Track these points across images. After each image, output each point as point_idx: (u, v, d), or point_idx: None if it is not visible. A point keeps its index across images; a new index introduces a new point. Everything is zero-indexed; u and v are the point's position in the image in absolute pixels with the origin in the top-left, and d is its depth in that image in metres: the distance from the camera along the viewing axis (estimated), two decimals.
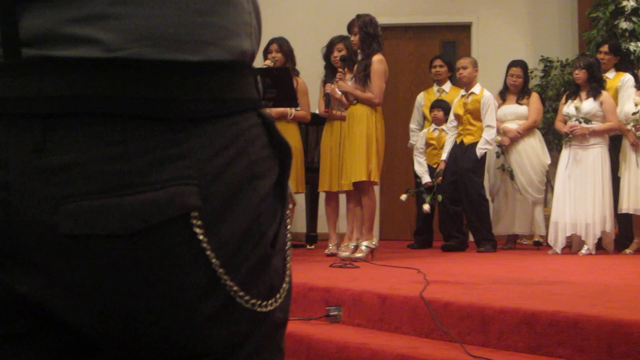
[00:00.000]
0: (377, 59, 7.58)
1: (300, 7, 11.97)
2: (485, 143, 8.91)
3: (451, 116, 9.26)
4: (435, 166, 9.42)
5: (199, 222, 1.03)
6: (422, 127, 9.91)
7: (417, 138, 9.81)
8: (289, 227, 1.23)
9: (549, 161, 9.43)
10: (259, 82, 1.20)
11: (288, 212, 1.22)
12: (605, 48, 9.21)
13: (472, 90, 9.08)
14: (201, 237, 1.04)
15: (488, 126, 8.91)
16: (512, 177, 9.26)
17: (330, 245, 8.46)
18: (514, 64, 9.52)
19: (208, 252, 1.05)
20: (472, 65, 9.15)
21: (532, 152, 9.32)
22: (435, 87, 10.06)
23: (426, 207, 8.86)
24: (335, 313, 4.95)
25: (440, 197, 8.87)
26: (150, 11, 1.01)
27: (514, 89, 9.47)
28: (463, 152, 9.05)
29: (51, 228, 1.00)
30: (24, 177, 1.00)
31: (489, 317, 4.19)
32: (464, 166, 8.98)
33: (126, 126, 1.00)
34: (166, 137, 1.02)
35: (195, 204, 1.03)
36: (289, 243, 1.23)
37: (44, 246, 1.01)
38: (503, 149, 9.28)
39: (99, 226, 0.99)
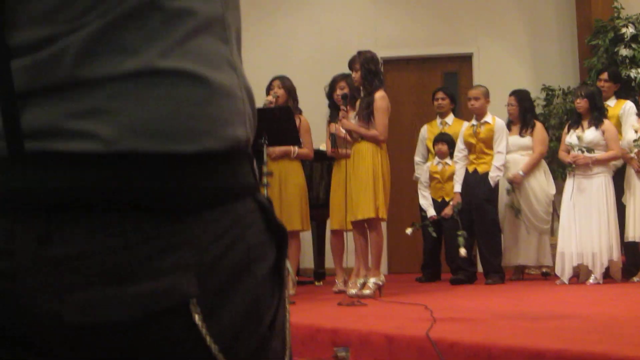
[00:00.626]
0: (380, 96, 7.63)
1: (301, 44, 12.03)
2: (496, 170, 8.96)
3: (460, 145, 9.28)
4: (439, 199, 9.42)
5: (198, 309, 1.05)
6: (426, 160, 9.92)
7: (422, 171, 9.82)
8: (288, 307, 1.24)
9: (554, 191, 9.45)
10: (255, 167, 1.20)
11: (287, 292, 1.24)
12: (604, 76, 9.26)
13: (485, 119, 9.11)
14: (200, 324, 1.05)
15: (498, 152, 8.96)
16: (517, 214, 9.28)
17: (337, 282, 8.47)
18: (510, 93, 9.61)
19: (207, 338, 1.06)
20: (484, 97, 9.19)
21: (536, 185, 9.35)
22: (438, 120, 10.07)
23: (462, 251, 8.69)
24: (343, 354, 4.95)
25: (465, 234, 8.79)
26: (146, 105, 1.03)
27: (512, 118, 9.52)
28: (477, 181, 9.07)
29: (56, 316, 1.02)
30: (30, 267, 1.02)
31: (495, 356, 4.19)
32: (480, 195, 9.00)
33: (126, 217, 1.02)
34: (165, 227, 1.04)
35: (194, 293, 1.04)
36: (287, 323, 1.24)
37: (49, 333, 1.03)
38: (513, 187, 9.30)
39: (102, 315, 1.01)
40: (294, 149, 8.20)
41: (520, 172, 9.28)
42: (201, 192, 1.07)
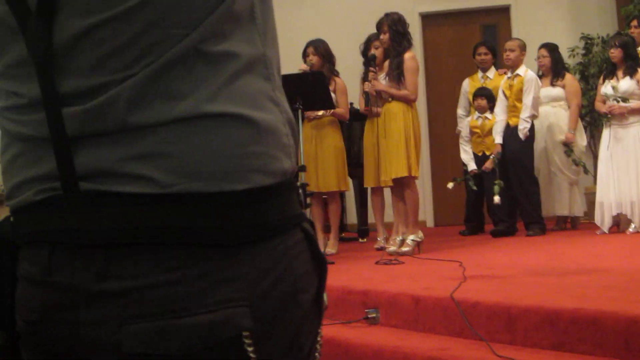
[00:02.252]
0: (409, 56, 7.72)
1: (339, 3, 12.06)
2: (523, 122, 8.98)
3: (501, 96, 9.31)
4: (480, 154, 9.48)
5: (250, 341, 1.10)
6: (468, 113, 9.93)
7: (463, 125, 9.86)
8: (320, 337, 1.28)
9: (584, 142, 9.49)
10: (301, 195, 1.30)
11: (321, 324, 1.28)
12: (635, 22, 9.21)
13: (517, 72, 9.12)
14: (252, 355, 1.11)
15: (525, 104, 8.97)
16: (585, 171, 9.36)
17: (379, 238, 8.60)
18: (540, 46, 9.62)
19: None
20: (520, 49, 9.18)
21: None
22: (479, 74, 10.07)
23: (496, 198, 8.79)
24: (374, 315, 5.09)
25: (502, 183, 8.88)
26: (197, 147, 1.08)
27: (544, 70, 9.53)
28: (510, 135, 9.12)
29: (115, 347, 1.08)
30: (90, 300, 1.08)
31: (515, 315, 4.31)
32: (513, 149, 9.05)
33: (181, 254, 1.07)
34: (218, 262, 1.09)
35: (248, 325, 1.10)
36: (318, 353, 1.28)
37: None
38: (570, 146, 9.33)
39: (159, 347, 1.06)
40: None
41: (571, 131, 9.32)
42: (252, 227, 1.12)
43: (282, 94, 1.23)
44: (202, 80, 1.09)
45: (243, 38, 1.15)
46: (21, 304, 1.19)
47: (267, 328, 1.13)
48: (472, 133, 9.61)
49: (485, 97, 9.48)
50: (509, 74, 9.21)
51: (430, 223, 11.81)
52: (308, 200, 8.33)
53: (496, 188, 8.75)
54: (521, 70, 9.09)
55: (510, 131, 9.10)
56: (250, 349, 1.10)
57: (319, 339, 1.27)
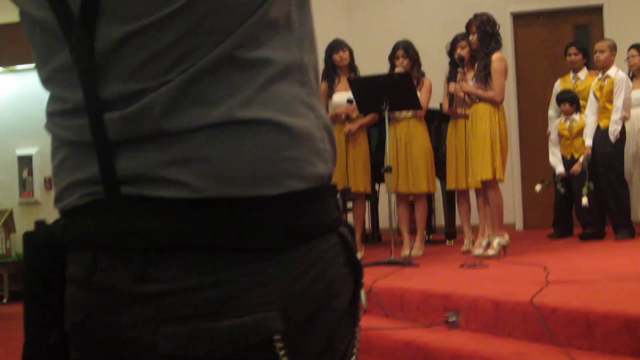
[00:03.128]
0: (497, 57, 7.67)
1: (430, 2, 12.06)
2: (613, 124, 8.81)
3: (592, 98, 9.18)
4: (568, 156, 9.38)
5: (282, 345, 1.12)
6: (560, 114, 9.84)
7: (553, 127, 9.76)
8: (357, 340, 1.29)
9: None
10: (339, 200, 1.27)
11: (358, 325, 1.30)
12: None
13: (608, 73, 8.99)
14: (284, 358, 1.13)
15: (615, 106, 8.81)
16: None
17: (465, 241, 8.58)
18: (630, 46, 9.45)
19: None
20: (610, 49, 9.04)
21: None
22: (571, 74, 9.94)
23: (584, 200, 8.72)
24: (454, 319, 5.11)
25: (592, 185, 8.80)
26: (230, 153, 1.10)
27: (634, 70, 9.37)
28: (600, 137, 8.99)
29: (151, 347, 1.11)
30: (128, 302, 1.12)
31: (593, 321, 4.29)
32: (603, 151, 8.92)
33: (216, 257, 1.10)
34: (251, 266, 1.11)
35: (279, 329, 1.11)
36: (355, 355, 1.30)
37: None
38: None
39: (194, 348, 1.09)
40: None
41: None
42: (286, 231, 1.14)
43: (317, 100, 1.24)
44: (236, 86, 1.12)
45: (279, 44, 1.17)
46: (69, 304, 1.24)
47: (299, 332, 1.14)
48: (560, 136, 9.50)
49: (568, 101, 9.35)
50: (600, 75, 9.08)
51: (519, 226, 11.71)
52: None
53: (585, 190, 8.67)
54: (612, 71, 8.95)
55: (600, 133, 8.97)
56: (281, 352, 1.12)
57: (355, 342, 1.28)
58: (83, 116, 1.15)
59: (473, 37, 7.77)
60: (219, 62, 1.11)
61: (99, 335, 1.18)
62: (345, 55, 8.50)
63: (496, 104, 7.69)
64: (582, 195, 8.65)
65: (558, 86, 10.02)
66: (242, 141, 1.11)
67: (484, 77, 7.64)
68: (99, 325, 1.17)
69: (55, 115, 1.23)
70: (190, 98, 1.10)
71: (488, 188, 7.71)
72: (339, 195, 1.26)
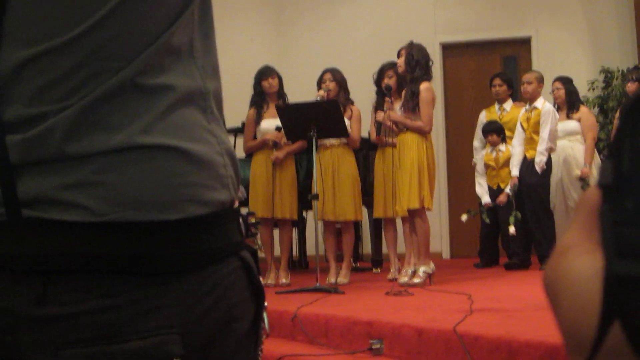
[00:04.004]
0: (425, 87, 7.71)
1: (359, 30, 12.17)
2: (539, 155, 8.91)
3: (519, 129, 9.29)
4: (494, 187, 9.48)
5: None
6: (485, 145, 9.93)
7: (479, 158, 9.86)
8: None
9: None
10: (242, 224, 1.28)
11: (260, 348, 1.31)
12: None
13: (535, 104, 9.10)
14: None
15: (541, 137, 8.92)
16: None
17: (391, 269, 8.59)
18: (554, 79, 9.63)
19: None
20: (537, 81, 9.16)
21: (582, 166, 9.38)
22: (496, 106, 10.07)
23: (512, 229, 8.81)
24: (378, 346, 5.09)
25: (519, 214, 8.88)
26: (130, 178, 1.11)
27: (559, 102, 9.52)
28: (526, 167, 9.09)
29: None
30: (28, 324, 1.10)
31: (515, 350, 4.29)
32: (529, 181, 9.01)
33: (115, 281, 1.10)
34: (151, 289, 1.11)
35: (178, 353, 1.11)
36: None
37: None
38: (586, 181, 9.31)
39: None
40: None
41: (587, 165, 9.29)
42: (186, 255, 1.15)
43: (219, 126, 1.25)
44: (136, 112, 1.12)
45: (181, 71, 1.18)
46: None
47: (199, 356, 1.15)
48: (486, 166, 9.60)
49: (495, 132, 9.47)
50: (527, 107, 9.20)
51: (446, 255, 11.80)
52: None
53: (512, 219, 8.76)
54: (539, 103, 9.07)
55: (527, 164, 9.08)
56: None
57: None
58: None
59: (400, 60, 7.82)
60: (120, 88, 1.12)
61: (0, 358, 1.16)
62: (274, 82, 8.53)
63: (424, 133, 7.72)
64: (509, 224, 8.74)
65: (483, 117, 10.14)
66: (142, 166, 1.12)
67: (412, 107, 7.68)
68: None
69: None
70: (91, 123, 1.11)
71: (415, 217, 7.73)
72: (241, 219, 1.27)
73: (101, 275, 1.10)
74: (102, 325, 1.09)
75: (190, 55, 1.21)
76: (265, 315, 1.31)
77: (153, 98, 1.14)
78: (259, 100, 8.60)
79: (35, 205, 1.11)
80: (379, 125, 7.94)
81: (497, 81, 10.03)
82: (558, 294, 0.55)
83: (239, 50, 11.14)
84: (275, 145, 8.38)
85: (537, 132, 8.98)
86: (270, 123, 8.36)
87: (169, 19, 1.16)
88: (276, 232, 8.69)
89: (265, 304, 1.30)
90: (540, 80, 9.21)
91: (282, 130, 8.12)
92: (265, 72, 8.59)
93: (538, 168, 8.91)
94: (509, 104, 9.96)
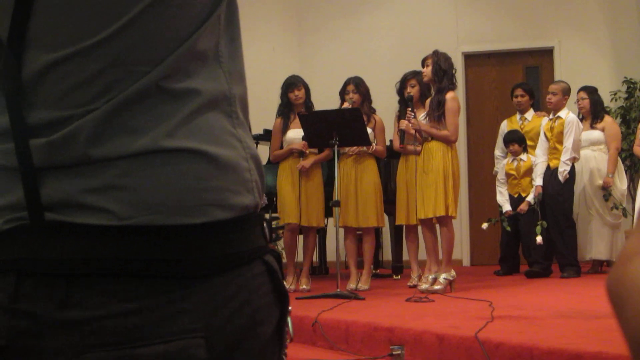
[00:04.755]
0: (451, 97, 7.76)
1: (382, 40, 12.17)
2: (563, 165, 8.93)
3: (542, 138, 9.30)
4: (515, 195, 9.51)
5: None
6: (506, 155, 9.94)
7: (500, 167, 9.88)
8: None
9: (625, 186, 9.45)
10: (266, 229, 1.28)
11: (285, 352, 1.31)
12: None
13: (559, 114, 9.12)
14: None
15: (565, 147, 8.93)
16: (624, 213, 9.34)
17: (412, 276, 8.61)
18: (579, 89, 9.62)
19: None
20: (562, 93, 9.17)
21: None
22: (518, 115, 10.08)
23: (539, 239, 8.82)
24: (399, 352, 5.10)
25: (545, 224, 8.90)
26: (155, 181, 1.11)
27: (584, 112, 9.53)
28: (550, 176, 9.10)
29: None
30: (51, 328, 1.09)
31: (537, 357, 4.31)
32: (551, 191, 9.03)
33: (139, 285, 1.10)
34: (175, 293, 1.11)
35: (203, 357, 1.11)
36: None
37: None
38: (609, 191, 9.31)
39: None
40: (372, 146, 8.33)
41: (609, 175, 9.30)
42: (210, 259, 1.14)
43: (245, 131, 1.25)
44: (162, 116, 1.13)
45: (207, 75, 1.19)
46: None
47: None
48: (507, 175, 9.62)
49: (516, 142, 9.50)
50: (551, 116, 9.21)
51: (466, 262, 11.80)
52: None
53: (538, 228, 8.78)
54: (563, 113, 9.08)
55: (550, 173, 9.09)
56: None
57: None
58: (9, 141, 1.14)
59: (427, 70, 7.84)
60: (145, 92, 1.12)
61: None
62: (300, 94, 8.57)
63: (450, 142, 7.77)
64: (536, 234, 8.73)
65: (505, 126, 10.15)
66: (167, 170, 1.12)
67: (438, 117, 7.71)
68: (22, 352, 1.14)
69: None
70: (116, 127, 1.11)
71: (441, 224, 7.78)
72: (265, 224, 1.27)
73: (125, 279, 1.10)
74: (126, 329, 1.09)
75: (216, 59, 1.21)
76: (289, 320, 1.31)
77: (178, 102, 1.14)
78: (285, 111, 8.66)
79: (59, 209, 1.11)
80: (402, 133, 7.95)
81: (519, 91, 10.03)
82: (623, 300, 0.56)
83: (261, 60, 11.15)
84: (302, 154, 8.43)
85: (560, 142, 8.98)
86: (297, 133, 8.40)
87: (194, 24, 1.17)
88: (300, 238, 8.74)
89: (290, 308, 1.30)
90: (566, 92, 9.21)
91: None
92: (292, 84, 8.63)
93: (561, 178, 8.92)
94: (530, 114, 9.97)
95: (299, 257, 8.65)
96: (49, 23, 1.12)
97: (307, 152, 8.44)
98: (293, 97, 8.57)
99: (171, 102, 1.14)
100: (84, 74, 1.11)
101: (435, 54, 7.90)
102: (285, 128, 8.58)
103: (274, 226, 8.38)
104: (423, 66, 8.05)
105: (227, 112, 1.21)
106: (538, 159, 9.23)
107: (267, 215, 7.93)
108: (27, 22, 1.12)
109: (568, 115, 9.03)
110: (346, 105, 8.29)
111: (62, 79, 1.11)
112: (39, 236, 1.12)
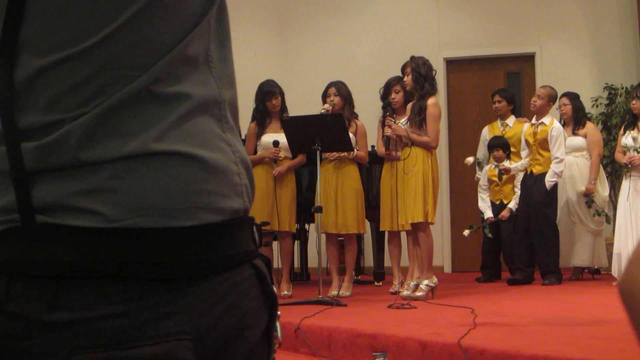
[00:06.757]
0: (432, 102, 7.74)
1: (363, 45, 12.17)
2: (554, 175, 8.95)
3: (523, 144, 9.33)
4: (497, 202, 9.54)
5: None
6: (488, 161, 9.96)
7: (480, 175, 9.90)
8: None
9: (607, 192, 9.47)
10: (255, 233, 1.28)
11: (273, 357, 1.30)
12: None
13: (542, 120, 9.13)
14: None
15: (556, 158, 8.94)
16: (607, 220, 9.37)
17: (394, 282, 8.60)
18: (561, 95, 9.65)
19: None
20: (548, 99, 9.21)
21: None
22: (499, 121, 10.12)
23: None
24: (381, 359, 5.08)
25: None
26: (144, 184, 1.11)
27: (566, 118, 9.57)
28: (533, 183, 9.11)
29: None
30: (42, 330, 1.10)
31: None
32: (535, 198, 9.03)
33: (128, 287, 1.10)
34: (163, 295, 1.11)
35: (189, 359, 1.11)
36: None
37: None
38: (591, 197, 9.33)
39: None
40: (354, 152, 8.32)
41: (592, 181, 9.32)
42: (199, 262, 1.15)
43: (234, 135, 1.26)
44: (151, 119, 1.13)
45: (197, 80, 1.20)
46: None
47: None
48: (490, 182, 9.63)
49: (501, 148, 9.53)
50: (533, 121, 9.23)
51: (447, 269, 11.80)
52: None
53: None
54: (546, 120, 9.10)
55: (533, 180, 9.11)
56: None
57: None
58: (0, 145, 1.15)
59: (407, 78, 7.83)
60: (136, 96, 1.13)
61: None
62: (277, 102, 8.57)
63: (430, 148, 7.75)
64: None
65: (486, 133, 10.20)
66: (156, 173, 1.13)
67: (419, 122, 7.69)
68: (11, 353, 1.14)
69: None
70: (107, 130, 1.12)
71: (419, 230, 7.75)
72: (255, 228, 1.27)
73: (114, 281, 1.10)
74: (114, 330, 1.09)
75: (206, 64, 1.22)
76: (278, 324, 1.31)
77: (168, 106, 1.15)
78: (261, 116, 8.62)
79: (49, 212, 1.12)
80: (387, 139, 7.92)
81: (497, 97, 10.11)
82: (637, 301, 0.54)
83: (243, 64, 11.06)
84: (275, 160, 8.40)
85: (543, 148, 9.02)
86: (272, 137, 8.40)
87: (184, 29, 1.18)
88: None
89: (279, 312, 1.30)
90: (552, 98, 9.25)
91: (283, 143, 8.16)
92: (269, 93, 8.59)
93: (548, 186, 8.93)
94: (511, 120, 10.01)
95: (277, 263, 8.62)
96: (40, 28, 1.13)
97: (282, 157, 8.41)
98: (270, 106, 8.55)
99: (161, 106, 1.14)
100: (75, 78, 1.11)
101: (413, 60, 7.89)
102: (260, 132, 8.55)
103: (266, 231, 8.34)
104: (403, 74, 8.05)
105: (217, 117, 1.22)
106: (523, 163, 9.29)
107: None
108: (19, 27, 1.13)
109: (553, 124, 9.04)
110: (326, 107, 8.25)
111: (54, 84, 1.12)
112: (30, 238, 1.12)
